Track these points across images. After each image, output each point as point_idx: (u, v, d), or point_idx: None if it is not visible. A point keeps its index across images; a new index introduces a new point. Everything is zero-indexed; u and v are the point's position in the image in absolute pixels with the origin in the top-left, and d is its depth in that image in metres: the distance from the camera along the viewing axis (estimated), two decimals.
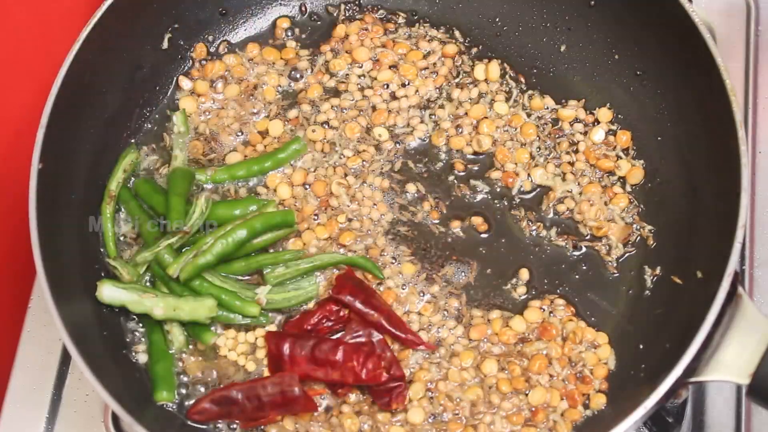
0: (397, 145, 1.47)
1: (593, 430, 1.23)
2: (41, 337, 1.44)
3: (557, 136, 1.46)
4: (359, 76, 1.51)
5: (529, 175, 1.44)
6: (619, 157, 1.43)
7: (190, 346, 1.33)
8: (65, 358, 1.43)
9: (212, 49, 1.53)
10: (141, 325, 1.35)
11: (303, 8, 1.57)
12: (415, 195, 1.44)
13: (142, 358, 1.33)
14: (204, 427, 1.29)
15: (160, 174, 1.44)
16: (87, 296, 1.29)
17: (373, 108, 1.48)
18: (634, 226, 1.40)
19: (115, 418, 1.35)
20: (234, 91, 1.49)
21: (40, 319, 1.45)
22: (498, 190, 1.44)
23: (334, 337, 1.33)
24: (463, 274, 1.39)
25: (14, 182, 1.34)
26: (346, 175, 1.44)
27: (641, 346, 1.31)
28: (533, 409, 1.29)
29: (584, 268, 1.39)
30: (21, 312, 1.46)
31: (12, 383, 1.42)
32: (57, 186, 1.29)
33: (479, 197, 1.44)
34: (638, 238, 1.39)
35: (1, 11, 1.46)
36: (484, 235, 1.41)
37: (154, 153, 1.46)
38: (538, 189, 1.43)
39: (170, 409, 1.29)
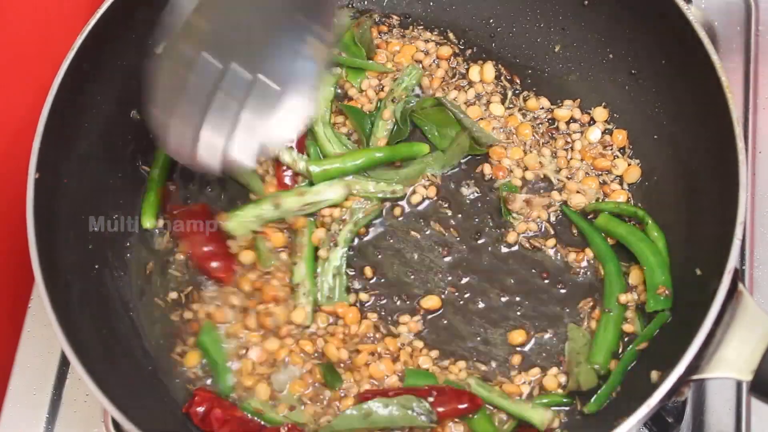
0: None
1: (597, 429, 1.22)
2: (41, 337, 1.44)
3: (553, 135, 1.46)
4: None
5: (523, 173, 1.43)
6: (615, 156, 1.43)
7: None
8: (65, 359, 1.43)
9: None
10: (140, 324, 1.35)
11: None
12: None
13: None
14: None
15: None
16: (85, 297, 1.29)
17: None
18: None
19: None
20: None
21: (40, 319, 1.45)
22: (491, 188, 1.43)
23: None
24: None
25: (13, 183, 1.34)
26: None
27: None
28: None
29: None
30: (21, 312, 1.47)
31: (12, 383, 1.42)
32: (55, 190, 1.28)
33: (473, 196, 1.43)
34: None
35: (1, 10, 1.46)
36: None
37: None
38: (533, 186, 1.43)
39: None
